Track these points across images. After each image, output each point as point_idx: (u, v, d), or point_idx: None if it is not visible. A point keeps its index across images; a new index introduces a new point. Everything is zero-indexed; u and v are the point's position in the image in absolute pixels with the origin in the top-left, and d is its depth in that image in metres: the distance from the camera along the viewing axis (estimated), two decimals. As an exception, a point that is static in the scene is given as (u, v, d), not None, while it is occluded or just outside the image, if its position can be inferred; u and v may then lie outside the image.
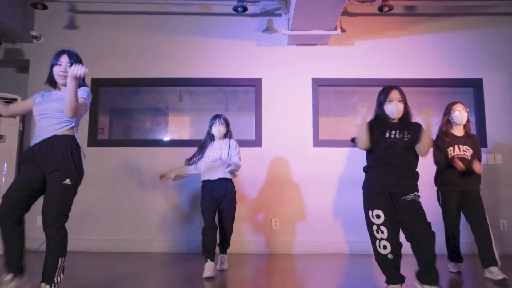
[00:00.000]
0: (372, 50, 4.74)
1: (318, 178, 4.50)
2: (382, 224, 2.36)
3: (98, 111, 4.72)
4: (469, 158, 3.18)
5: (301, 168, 4.52)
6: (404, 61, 4.70)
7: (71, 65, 2.32)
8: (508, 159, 4.49)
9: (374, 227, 2.38)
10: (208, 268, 3.02)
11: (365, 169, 2.59)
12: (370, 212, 2.42)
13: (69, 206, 2.33)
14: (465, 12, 4.77)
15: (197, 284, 2.84)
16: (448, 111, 3.31)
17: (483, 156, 4.42)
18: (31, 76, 4.65)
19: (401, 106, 2.48)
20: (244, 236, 4.38)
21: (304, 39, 4.57)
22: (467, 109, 3.31)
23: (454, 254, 3.27)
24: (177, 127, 5.21)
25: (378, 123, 2.52)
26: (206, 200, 3.22)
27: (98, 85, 4.68)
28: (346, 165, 4.51)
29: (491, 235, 3.04)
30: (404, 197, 2.38)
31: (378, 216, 2.38)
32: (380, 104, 2.52)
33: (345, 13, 4.71)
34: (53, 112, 2.33)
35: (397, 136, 2.46)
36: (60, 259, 2.27)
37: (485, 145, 4.48)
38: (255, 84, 4.70)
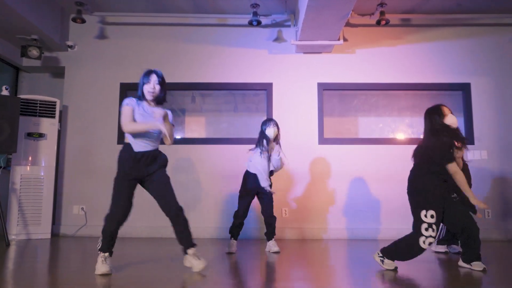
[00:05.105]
0: (371, 57, 5.26)
1: (323, 172, 5.04)
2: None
3: (126, 112, 5.23)
4: None
5: (308, 163, 5.05)
6: (400, 68, 5.22)
7: (158, 83, 2.82)
8: (493, 155, 5.01)
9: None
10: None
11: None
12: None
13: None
14: (455, 24, 5.29)
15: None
16: None
17: (471, 152, 4.95)
18: (67, 80, 5.16)
19: None
20: (259, 224, 4.91)
21: (310, 48, 5.10)
22: None
23: None
24: (197, 127, 5.72)
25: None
26: None
27: (126, 89, 5.21)
28: (348, 161, 5.04)
29: None
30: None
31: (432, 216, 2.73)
32: None
33: (347, 24, 5.23)
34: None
35: None
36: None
37: (473, 142, 5.00)
38: (266, 88, 5.23)
